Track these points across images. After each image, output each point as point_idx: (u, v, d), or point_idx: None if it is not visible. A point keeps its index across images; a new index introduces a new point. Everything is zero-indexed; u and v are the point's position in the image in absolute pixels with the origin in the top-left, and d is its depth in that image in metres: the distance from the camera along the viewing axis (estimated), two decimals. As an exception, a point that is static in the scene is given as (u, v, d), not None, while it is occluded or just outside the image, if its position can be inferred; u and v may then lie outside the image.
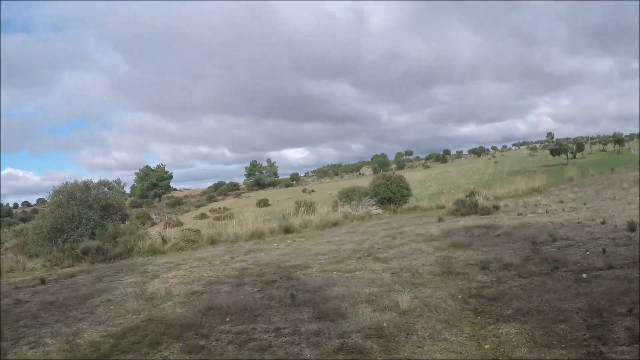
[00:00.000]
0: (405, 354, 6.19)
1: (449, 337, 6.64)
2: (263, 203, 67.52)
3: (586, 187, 34.98)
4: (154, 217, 59.87)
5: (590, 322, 6.52)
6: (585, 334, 6.17)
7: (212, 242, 19.45)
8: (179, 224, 40.61)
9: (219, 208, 70.45)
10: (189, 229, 21.15)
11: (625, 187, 31.04)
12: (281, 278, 11.04)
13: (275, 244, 17.48)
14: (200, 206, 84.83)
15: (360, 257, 12.87)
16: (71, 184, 24.27)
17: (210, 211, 67.22)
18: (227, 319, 8.10)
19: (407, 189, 31.41)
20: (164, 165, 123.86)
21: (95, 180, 25.22)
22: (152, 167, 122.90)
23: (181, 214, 70.48)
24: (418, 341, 6.54)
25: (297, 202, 35.48)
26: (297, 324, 7.61)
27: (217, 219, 52.87)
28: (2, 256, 23.30)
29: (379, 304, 8.28)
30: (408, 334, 6.82)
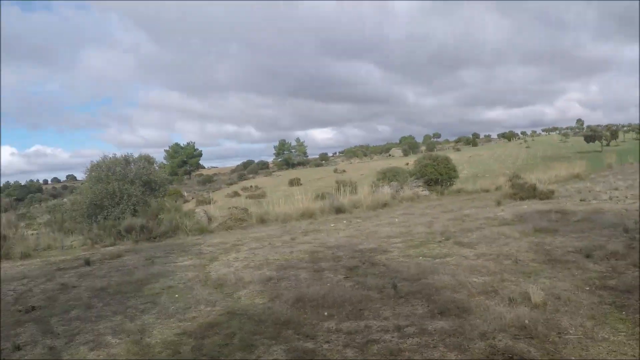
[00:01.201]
0: (573, 358, 4.96)
1: (606, 336, 5.41)
2: (295, 182, 66.54)
3: (632, 175, 33.54)
4: (185, 194, 59.19)
5: None
6: None
7: (262, 221, 18.24)
8: (210, 201, 39.60)
9: (251, 186, 69.70)
10: (236, 207, 19.92)
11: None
12: (363, 263, 9.67)
13: (332, 225, 16.21)
14: (231, 184, 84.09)
15: (440, 241, 11.49)
16: (110, 158, 23.05)
17: (242, 189, 66.62)
18: (326, 314, 6.71)
19: (454, 171, 30.24)
20: (194, 142, 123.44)
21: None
22: (181, 145, 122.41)
23: (212, 191, 69.54)
24: (577, 342, 5.30)
25: (337, 182, 34.45)
26: (418, 320, 6.21)
27: (250, 197, 52.04)
28: (36, 232, 22.40)
29: (501, 297, 6.90)
30: (560, 334, 5.53)
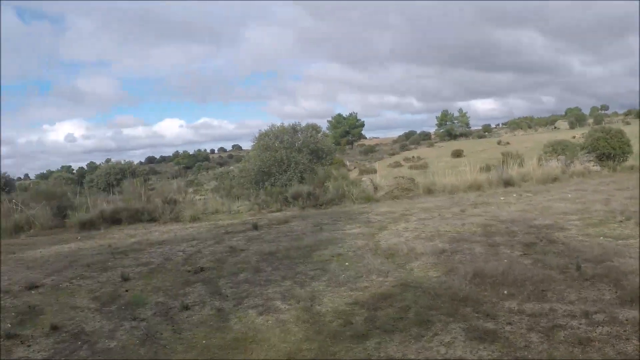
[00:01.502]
0: None
1: None
2: (458, 153, 65.19)
3: None
4: (347, 163, 59.51)
5: None
6: None
7: (429, 191, 17.75)
8: (372, 171, 39.48)
9: (413, 157, 68.93)
10: (402, 177, 19.59)
11: None
12: (540, 240, 8.96)
13: (501, 198, 15.43)
14: (393, 154, 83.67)
15: (621, 221, 10.42)
16: (278, 126, 23.47)
17: (404, 159, 66.04)
18: (506, 292, 6.17)
19: (628, 146, 28.19)
20: (356, 113, 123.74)
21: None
22: (344, 115, 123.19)
23: (375, 161, 69.52)
24: None
25: (503, 154, 33.29)
26: (606, 307, 5.54)
27: (412, 167, 51.46)
28: (203, 197, 23.02)
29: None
30: None
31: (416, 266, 7.70)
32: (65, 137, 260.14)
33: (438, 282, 6.78)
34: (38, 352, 5.56)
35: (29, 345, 5.73)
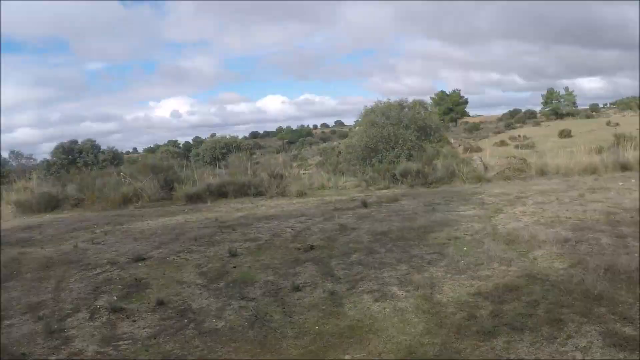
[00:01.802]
0: None
1: None
2: (565, 134, 63.06)
3: None
4: (452, 141, 58.59)
5: None
6: None
7: (542, 173, 17.00)
8: (477, 149, 38.57)
9: (519, 136, 67.21)
10: (514, 157, 18.95)
11: None
12: (673, 234, 8.24)
13: (620, 183, 14.51)
14: (498, 132, 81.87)
15: None
16: (384, 102, 23.20)
17: (509, 138, 64.48)
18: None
19: None
20: (459, 90, 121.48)
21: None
22: (447, 92, 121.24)
23: (479, 139, 68.14)
24: None
25: (616, 135, 31.86)
26: None
27: (518, 147, 50.11)
28: (308, 172, 22.97)
29: None
30: None
31: (540, 255, 7.17)
32: (170, 113, 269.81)
33: (566, 275, 6.24)
34: (143, 328, 5.55)
35: (134, 321, 5.75)
